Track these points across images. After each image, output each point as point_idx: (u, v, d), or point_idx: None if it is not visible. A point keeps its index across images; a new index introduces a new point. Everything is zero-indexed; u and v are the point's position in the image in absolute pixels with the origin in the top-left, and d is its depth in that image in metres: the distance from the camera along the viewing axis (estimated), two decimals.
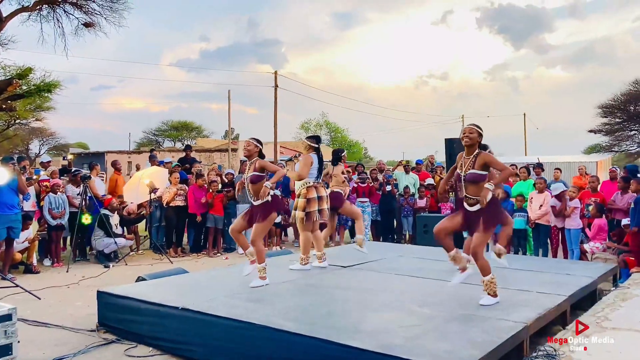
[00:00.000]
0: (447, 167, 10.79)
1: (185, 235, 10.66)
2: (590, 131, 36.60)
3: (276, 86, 32.33)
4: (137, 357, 4.46)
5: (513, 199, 9.14)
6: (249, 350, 4.05)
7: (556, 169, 10.87)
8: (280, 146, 34.50)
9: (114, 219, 9.46)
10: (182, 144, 47.39)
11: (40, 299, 6.62)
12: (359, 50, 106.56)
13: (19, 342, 3.51)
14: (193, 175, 10.77)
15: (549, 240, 8.85)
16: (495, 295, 4.67)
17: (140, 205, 10.37)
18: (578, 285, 5.39)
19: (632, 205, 7.06)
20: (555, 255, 8.60)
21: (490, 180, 4.68)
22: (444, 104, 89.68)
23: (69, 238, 9.73)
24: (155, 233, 10.19)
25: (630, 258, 7.10)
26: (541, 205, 8.61)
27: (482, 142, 4.84)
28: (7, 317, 3.33)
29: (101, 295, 5.26)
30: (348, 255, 7.30)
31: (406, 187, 11.29)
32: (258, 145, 5.76)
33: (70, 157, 11.86)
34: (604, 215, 8.10)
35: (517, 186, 9.50)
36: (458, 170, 4.87)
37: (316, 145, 6.57)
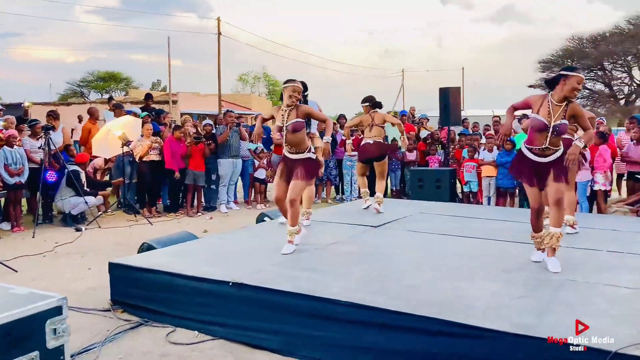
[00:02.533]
0: (441, 119, 10.28)
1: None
2: (530, 86, 37.54)
3: (219, 34, 30.52)
4: (186, 344, 3.65)
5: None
6: (349, 340, 3.31)
7: None
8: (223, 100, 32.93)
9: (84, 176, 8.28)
10: (111, 96, 44.53)
11: (17, 271, 5.58)
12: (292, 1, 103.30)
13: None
14: (167, 126, 9.65)
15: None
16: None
17: (107, 160, 9.21)
18: None
19: None
20: None
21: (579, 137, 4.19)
22: (378, 59, 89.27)
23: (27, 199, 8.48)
24: (125, 191, 9.07)
25: None
26: None
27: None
28: (57, 311, 2.42)
29: (116, 268, 4.35)
30: (358, 213, 6.72)
31: (394, 139, 10.69)
32: (303, 90, 4.89)
33: (27, 104, 10.25)
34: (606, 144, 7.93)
35: (518, 138, 9.11)
36: (541, 117, 4.22)
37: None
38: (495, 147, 8.93)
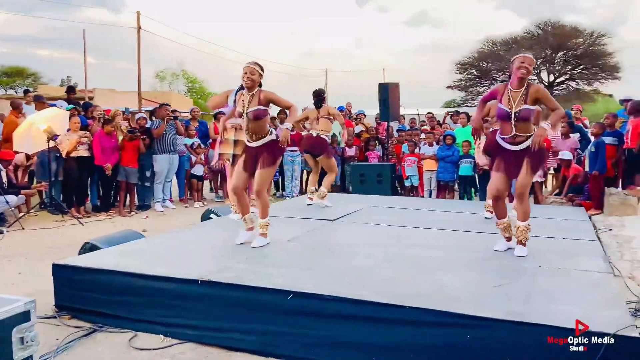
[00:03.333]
0: (380, 113, 10.31)
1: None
2: (448, 87, 39.02)
3: (139, 28, 29.23)
4: (153, 349, 3.32)
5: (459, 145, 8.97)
6: (333, 336, 3.13)
7: None
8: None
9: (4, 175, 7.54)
10: (16, 92, 41.55)
11: None
12: None
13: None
14: (95, 120, 9.00)
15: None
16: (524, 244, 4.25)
17: (29, 157, 8.45)
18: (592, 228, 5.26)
19: (592, 149, 7.17)
20: None
21: (545, 120, 4.23)
22: (299, 58, 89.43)
23: None
24: (50, 190, 8.34)
25: (586, 202, 7.27)
26: None
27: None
28: (24, 317, 2.04)
29: (61, 270, 3.92)
30: (308, 208, 6.58)
31: (334, 135, 10.61)
32: (262, 72, 4.64)
33: None
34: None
35: (457, 132, 9.33)
36: (503, 106, 4.25)
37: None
38: (435, 142, 9.07)
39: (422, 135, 9.84)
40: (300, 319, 3.22)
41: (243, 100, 4.57)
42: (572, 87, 37.02)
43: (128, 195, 8.92)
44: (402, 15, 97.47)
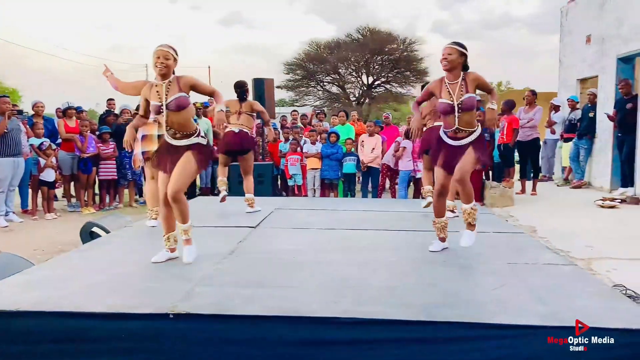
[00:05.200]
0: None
1: None
2: (277, 87, 39.44)
3: None
4: None
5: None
6: None
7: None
8: None
9: None
10: None
11: None
12: None
13: None
14: None
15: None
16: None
17: None
18: (499, 220, 5.46)
19: None
20: (380, 196, 8.71)
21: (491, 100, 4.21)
22: (109, 53, 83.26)
23: None
24: None
25: None
26: (373, 149, 8.57)
27: None
28: None
29: None
30: (210, 213, 5.92)
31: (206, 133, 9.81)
32: (177, 56, 3.89)
33: None
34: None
35: (340, 130, 9.23)
36: (445, 100, 4.13)
37: None
38: (317, 140, 8.87)
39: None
40: (311, 349, 2.71)
41: (158, 92, 3.82)
42: (389, 89, 39.95)
43: None
44: (214, 14, 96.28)
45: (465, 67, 4.10)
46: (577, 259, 4.25)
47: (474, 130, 4.08)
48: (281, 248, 4.33)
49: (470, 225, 4.16)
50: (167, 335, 2.75)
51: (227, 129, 5.76)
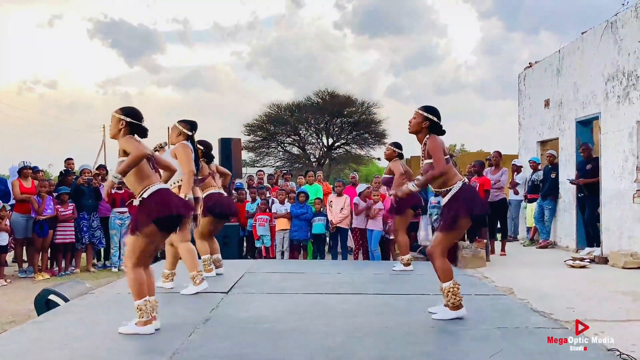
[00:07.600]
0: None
1: None
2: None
3: None
4: None
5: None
6: None
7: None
8: None
9: None
10: None
11: None
12: None
13: None
14: None
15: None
16: (458, 307, 3.88)
17: None
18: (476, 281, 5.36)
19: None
20: (356, 258, 8.50)
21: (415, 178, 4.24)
22: (53, 113, 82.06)
23: None
24: None
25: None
26: (342, 209, 8.44)
27: None
28: None
29: None
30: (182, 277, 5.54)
31: None
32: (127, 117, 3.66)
33: None
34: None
35: (308, 190, 9.09)
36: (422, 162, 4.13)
37: (190, 133, 4.94)
38: (286, 200, 8.68)
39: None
40: None
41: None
42: (348, 150, 40.54)
43: None
44: (174, 75, 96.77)
45: (434, 131, 4.06)
46: (563, 321, 4.15)
47: (450, 189, 3.99)
48: (258, 315, 4.07)
49: (455, 307, 3.90)
50: None
51: (210, 191, 5.47)
